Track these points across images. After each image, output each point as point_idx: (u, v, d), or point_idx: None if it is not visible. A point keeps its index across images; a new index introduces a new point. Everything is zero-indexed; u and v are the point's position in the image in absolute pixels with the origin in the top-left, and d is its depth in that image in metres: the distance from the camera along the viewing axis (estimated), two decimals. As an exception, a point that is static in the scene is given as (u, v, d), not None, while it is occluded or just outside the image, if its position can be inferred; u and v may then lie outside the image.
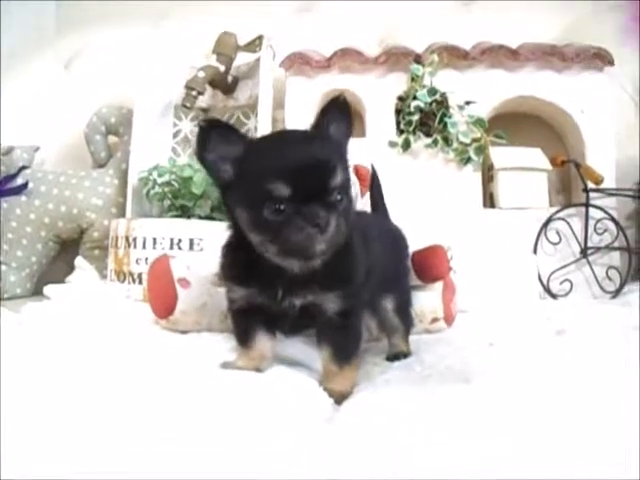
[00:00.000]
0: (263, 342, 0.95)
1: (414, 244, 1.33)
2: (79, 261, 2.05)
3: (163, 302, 1.34)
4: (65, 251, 2.28)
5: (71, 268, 2.10)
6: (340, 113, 0.86)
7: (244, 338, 0.95)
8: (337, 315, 0.88)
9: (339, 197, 0.79)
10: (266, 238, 0.79)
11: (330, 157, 0.80)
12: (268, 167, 0.78)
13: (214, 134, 0.81)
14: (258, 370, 0.93)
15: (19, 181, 2.17)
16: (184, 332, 1.31)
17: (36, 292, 2.14)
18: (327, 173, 0.78)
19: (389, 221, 1.32)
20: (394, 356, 1.12)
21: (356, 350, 0.94)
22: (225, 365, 0.95)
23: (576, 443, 0.58)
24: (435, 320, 1.38)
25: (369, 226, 1.07)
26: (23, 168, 2.20)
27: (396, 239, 1.23)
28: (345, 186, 0.81)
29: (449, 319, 1.41)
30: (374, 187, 1.39)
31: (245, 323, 0.95)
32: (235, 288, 0.91)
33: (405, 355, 1.12)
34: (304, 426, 0.70)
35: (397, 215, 1.33)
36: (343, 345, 0.92)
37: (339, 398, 0.85)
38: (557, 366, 0.94)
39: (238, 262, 0.90)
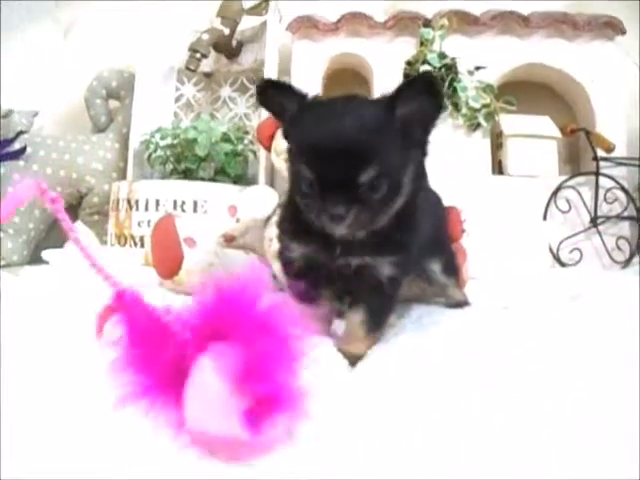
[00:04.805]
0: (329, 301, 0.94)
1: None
2: (78, 226, 2.01)
3: (168, 262, 1.31)
4: (63, 218, 2.23)
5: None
6: (423, 92, 0.75)
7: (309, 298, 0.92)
8: (387, 281, 0.86)
9: (375, 187, 0.74)
10: (303, 206, 0.80)
11: (366, 147, 0.74)
12: (301, 144, 0.80)
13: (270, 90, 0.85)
14: (329, 333, 0.92)
15: (17, 146, 2.12)
16: (190, 294, 1.28)
17: (33, 260, 2.10)
18: (356, 166, 0.73)
19: (428, 185, 1.30)
20: (456, 304, 1.19)
21: (387, 320, 0.93)
22: None
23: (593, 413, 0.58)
24: (447, 284, 1.36)
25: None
26: (21, 133, 2.15)
27: (436, 202, 1.20)
28: (389, 173, 0.75)
29: (461, 284, 1.38)
30: None
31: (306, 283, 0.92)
32: (294, 246, 0.89)
33: (466, 303, 1.20)
34: (318, 387, 0.68)
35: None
36: (378, 313, 0.90)
37: (353, 360, 0.83)
38: (573, 330, 0.93)
39: (298, 219, 0.86)
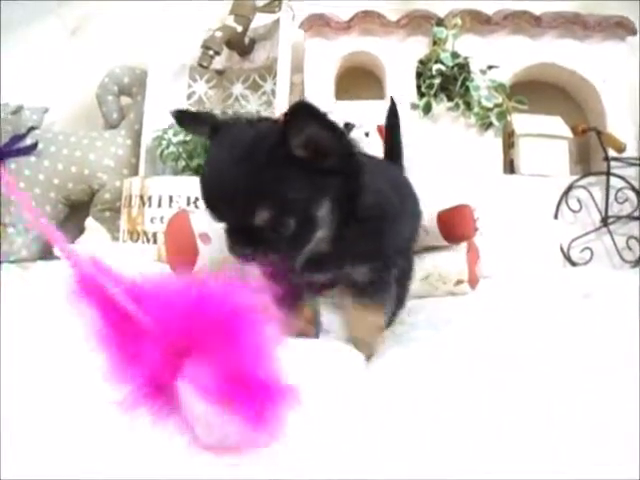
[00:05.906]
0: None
1: (437, 206, 1.30)
2: (90, 222, 2.02)
3: (183, 258, 1.30)
4: (74, 214, 2.23)
5: (80, 231, 2.06)
6: (308, 119, 0.67)
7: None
8: (368, 283, 0.84)
9: (277, 227, 0.70)
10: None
11: (253, 190, 0.68)
12: (200, 187, 0.75)
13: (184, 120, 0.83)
14: (313, 334, 0.92)
15: (28, 141, 2.12)
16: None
17: (43, 256, 2.10)
18: (246, 210, 0.69)
19: (401, 169, 1.21)
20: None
21: (383, 293, 0.89)
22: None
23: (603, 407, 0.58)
24: (460, 282, 1.36)
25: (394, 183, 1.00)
26: (32, 129, 2.15)
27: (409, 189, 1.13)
28: (292, 210, 0.70)
29: (473, 282, 1.39)
30: (390, 126, 1.22)
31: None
32: None
33: None
34: (334, 385, 0.68)
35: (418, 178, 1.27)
36: (369, 286, 0.86)
37: (366, 350, 0.83)
38: (584, 329, 0.93)
39: None
